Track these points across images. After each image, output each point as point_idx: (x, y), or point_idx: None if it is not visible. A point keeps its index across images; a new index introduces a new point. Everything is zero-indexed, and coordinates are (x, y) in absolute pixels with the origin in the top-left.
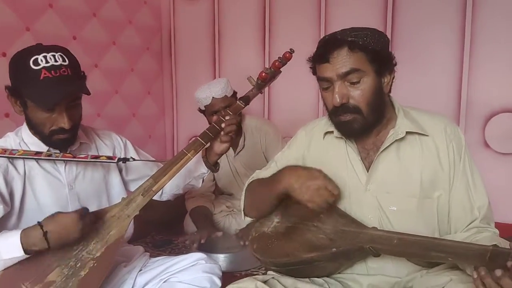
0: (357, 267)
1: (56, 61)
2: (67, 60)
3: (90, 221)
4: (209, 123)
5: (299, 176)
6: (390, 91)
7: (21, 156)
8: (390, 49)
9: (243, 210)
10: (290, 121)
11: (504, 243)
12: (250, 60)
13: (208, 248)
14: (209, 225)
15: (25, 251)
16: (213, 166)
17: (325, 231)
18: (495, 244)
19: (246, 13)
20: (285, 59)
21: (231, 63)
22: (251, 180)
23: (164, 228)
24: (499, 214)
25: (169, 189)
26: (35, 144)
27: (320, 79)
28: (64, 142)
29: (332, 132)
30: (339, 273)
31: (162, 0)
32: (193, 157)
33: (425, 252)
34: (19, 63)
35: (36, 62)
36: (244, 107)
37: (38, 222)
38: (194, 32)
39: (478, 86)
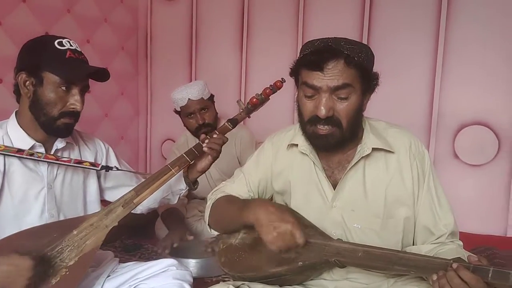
0: (324, 273)
1: (77, 48)
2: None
3: (41, 272)
4: (184, 125)
5: (269, 213)
6: (364, 110)
7: (1, 152)
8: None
9: (208, 224)
10: (265, 126)
11: (467, 255)
12: (227, 62)
13: (179, 253)
14: (181, 227)
15: None
16: (192, 184)
17: None
18: (458, 258)
19: (224, 15)
20: (276, 87)
21: (208, 65)
22: (218, 196)
23: (134, 232)
24: (467, 225)
25: (146, 202)
26: (20, 138)
27: (306, 85)
28: (67, 128)
29: (296, 145)
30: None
31: None
32: (177, 173)
33: (388, 265)
34: (43, 42)
35: (61, 44)
36: (231, 129)
37: None
38: (171, 33)
39: (449, 98)
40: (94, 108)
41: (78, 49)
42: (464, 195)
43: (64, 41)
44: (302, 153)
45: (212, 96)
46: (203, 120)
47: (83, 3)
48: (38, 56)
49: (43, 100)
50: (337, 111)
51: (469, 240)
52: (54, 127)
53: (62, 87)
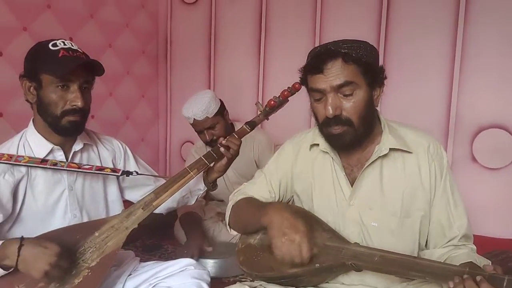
0: (339, 277)
1: (72, 46)
2: (82, 51)
3: (63, 265)
4: (199, 137)
5: (283, 219)
6: (377, 105)
7: (26, 164)
8: (380, 63)
9: (228, 224)
10: (283, 128)
11: (480, 260)
12: (245, 66)
13: None
14: (199, 233)
15: None
16: (211, 185)
17: None
18: (472, 264)
19: (242, 19)
20: (295, 89)
21: (226, 68)
22: (238, 197)
23: (154, 232)
24: (485, 228)
25: (165, 203)
26: (38, 144)
27: (312, 90)
28: (74, 126)
29: (318, 144)
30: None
31: (160, 5)
32: (196, 176)
33: (404, 270)
34: (38, 47)
35: (55, 45)
36: (249, 132)
37: (22, 237)
38: (190, 37)
39: (467, 101)
40: (116, 111)
41: (74, 47)
42: (481, 198)
43: (58, 41)
44: (323, 152)
45: (221, 107)
46: (210, 137)
47: (106, 9)
48: (35, 60)
49: (45, 101)
50: (345, 109)
51: (486, 243)
52: (60, 127)
53: (60, 86)
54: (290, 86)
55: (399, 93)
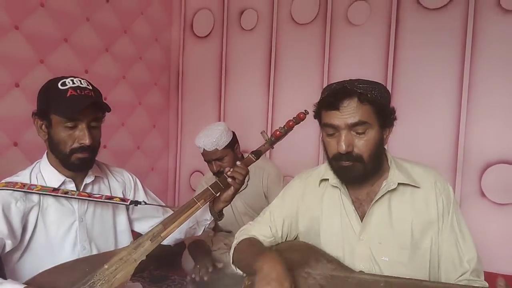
0: None
1: (81, 84)
2: (91, 87)
3: None
4: (208, 166)
5: (272, 269)
6: (386, 144)
7: (38, 192)
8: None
9: (232, 262)
10: (291, 159)
11: None
12: (255, 99)
13: (205, 286)
14: (208, 256)
15: None
16: (217, 215)
17: (315, 277)
18: None
19: (252, 53)
20: (299, 119)
21: (236, 101)
22: (241, 238)
23: (161, 263)
24: (495, 264)
25: (172, 235)
26: (51, 176)
27: (326, 126)
28: (83, 163)
29: (327, 179)
30: None
31: (172, 38)
32: (203, 206)
33: None
34: (49, 85)
35: (64, 84)
36: (255, 161)
37: None
38: (202, 70)
39: (475, 136)
40: (128, 140)
41: (83, 84)
42: (491, 234)
43: (67, 80)
44: (333, 187)
45: (232, 140)
46: (218, 168)
47: (120, 43)
48: (45, 100)
49: (55, 139)
50: (357, 147)
51: (496, 280)
52: (69, 163)
53: (68, 125)
54: (295, 116)
55: (407, 129)
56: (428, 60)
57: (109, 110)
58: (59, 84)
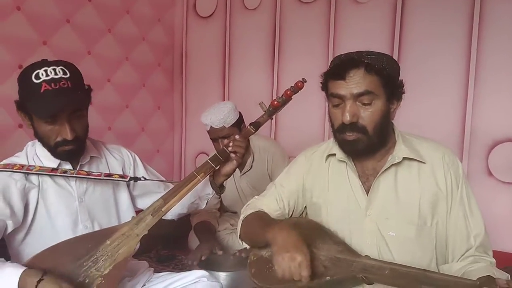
0: None
1: (56, 74)
2: (68, 73)
3: None
4: (213, 145)
5: (287, 237)
6: (393, 118)
7: (37, 172)
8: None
9: (239, 237)
10: (296, 140)
11: (499, 274)
12: (259, 80)
13: (209, 266)
14: (212, 239)
15: None
16: (219, 188)
17: (320, 257)
18: (489, 277)
19: (256, 33)
20: (297, 88)
21: (240, 82)
22: (248, 212)
23: (169, 243)
24: (502, 243)
25: (175, 209)
26: (46, 156)
27: (332, 96)
28: (70, 154)
29: (334, 154)
30: None
31: (175, 18)
32: (203, 179)
33: (415, 284)
34: (23, 78)
35: (37, 76)
36: (254, 133)
37: (44, 271)
38: (206, 51)
39: (482, 115)
40: (132, 122)
41: (57, 74)
42: (498, 212)
43: (41, 71)
44: (339, 161)
45: (239, 119)
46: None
47: (123, 24)
48: (21, 94)
49: (39, 133)
50: (362, 118)
51: (502, 258)
52: (57, 154)
53: (48, 120)
54: (293, 85)
55: (413, 107)
56: (434, 37)
57: (87, 104)
58: (33, 77)
